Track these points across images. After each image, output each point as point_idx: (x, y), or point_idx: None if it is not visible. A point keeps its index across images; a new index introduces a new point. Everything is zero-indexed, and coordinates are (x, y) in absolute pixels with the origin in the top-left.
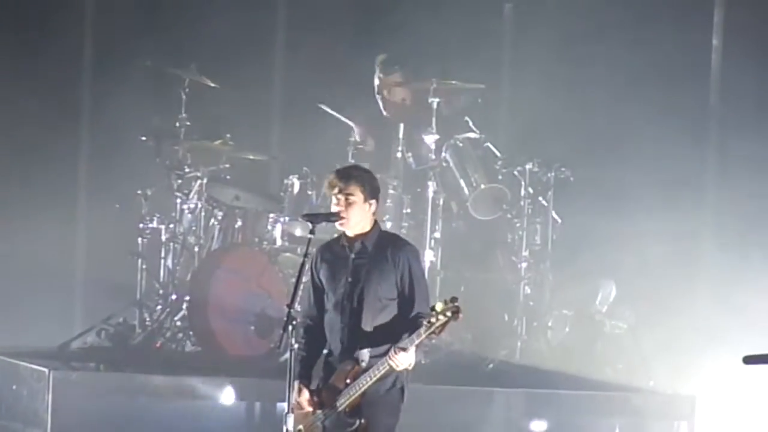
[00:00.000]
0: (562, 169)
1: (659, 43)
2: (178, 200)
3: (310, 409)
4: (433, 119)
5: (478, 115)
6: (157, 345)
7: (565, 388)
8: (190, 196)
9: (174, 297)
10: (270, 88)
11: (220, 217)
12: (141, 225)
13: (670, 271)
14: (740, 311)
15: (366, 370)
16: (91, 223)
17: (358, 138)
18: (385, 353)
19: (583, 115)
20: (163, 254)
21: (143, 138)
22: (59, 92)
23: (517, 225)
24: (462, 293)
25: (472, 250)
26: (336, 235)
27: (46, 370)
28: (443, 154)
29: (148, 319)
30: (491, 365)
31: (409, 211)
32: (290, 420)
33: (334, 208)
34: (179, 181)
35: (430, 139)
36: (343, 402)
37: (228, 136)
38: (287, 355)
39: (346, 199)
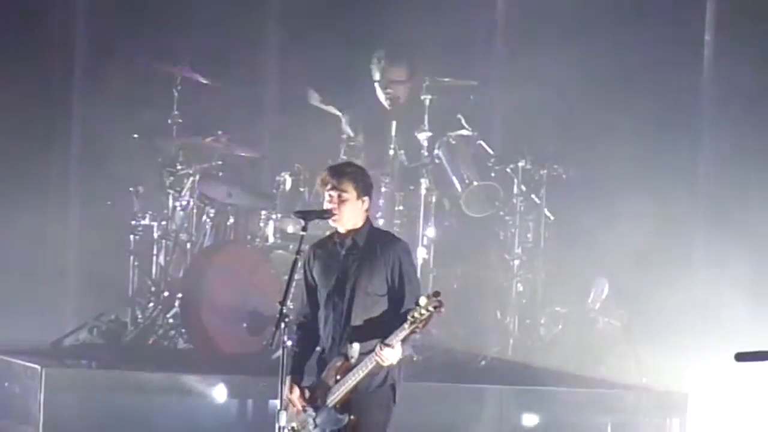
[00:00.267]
0: (555, 166)
1: (652, 39)
2: (170, 197)
3: (302, 405)
4: (426, 116)
5: (471, 112)
6: (150, 342)
7: (558, 386)
8: (182, 194)
9: (166, 294)
10: (262, 85)
11: (212, 215)
12: (133, 222)
13: (663, 269)
14: (732, 308)
15: (355, 366)
16: (83, 220)
17: (348, 130)
18: (370, 352)
19: (575, 113)
20: (155, 251)
21: (135, 135)
22: (51, 89)
23: (510, 222)
24: (454, 290)
25: (464, 248)
26: (328, 233)
27: (38, 367)
28: (436, 151)
29: (140, 316)
30: (483, 362)
31: (401, 208)
32: (283, 417)
33: (326, 205)
34: (171, 178)
35: (423, 136)
36: (333, 398)
37: (220, 133)
38: (279, 352)
39: (339, 196)
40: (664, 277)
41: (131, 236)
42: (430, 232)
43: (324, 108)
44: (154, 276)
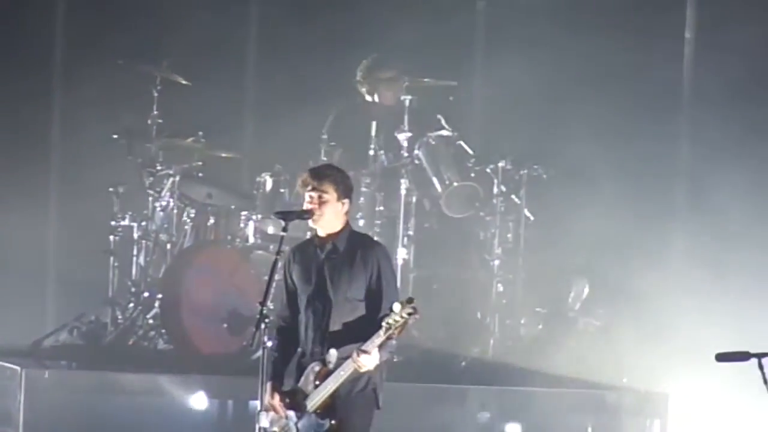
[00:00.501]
0: (535, 166)
1: (632, 37)
2: (151, 198)
3: (282, 410)
4: (406, 117)
5: (451, 112)
6: (130, 343)
7: (538, 386)
8: (163, 194)
9: (146, 295)
10: (242, 86)
11: (192, 215)
12: (113, 223)
13: (643, 269)
14: (712, 309)
15: (333, 371)
16: (64, 220)
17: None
18: (347, 358)
19: (555, 113)
20: (135, 252)
21: (115, 136)
22: (31, 90)
23: (490, 223)
24: (434, 291)
25: (444, 248)
26: (309, 234)
27: (18, 368)
28: (416, 151)
29: (120, 317)
30: (464, 363)
31: (381, 208)
32: (263, 418)
33: (306, 206)
34: (151, 178)
35: (403, 136)
36: (314, 403)
37: (200, 133)
38: (260, 352)
39: (319, 198)
40: (645, 277)
41: (111, 237)
42: (411, 232)
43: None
44: (134, 276)
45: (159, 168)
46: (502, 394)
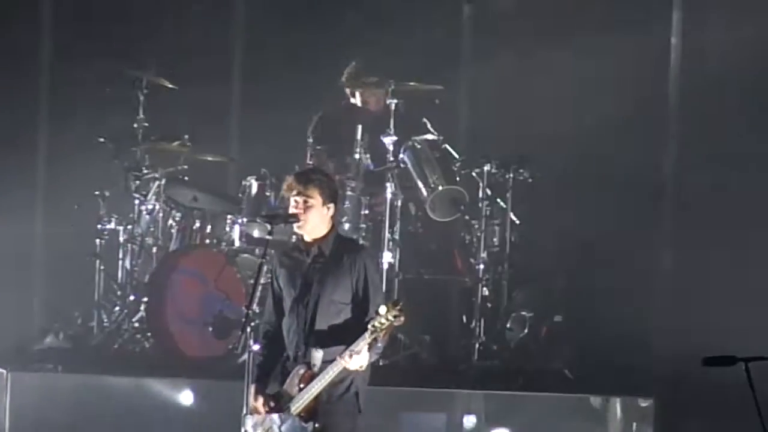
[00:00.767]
0: (520, 170)
1: (618, 42)
2: (136, 201)
3: (266, 413)
4: (391, 121)
5: (437, 116)
6: (116, 346)
7: (524, 390)
8: (148, 198)
9: (132, 298)
10: (228, 90)
11: (178, 219)
12: (99, 226)
13: (629, 272)
14: (699, 313)
15: (318, 373)
16: (49, 223)
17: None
18: (333, 360)
19: (541, 117)
20: (121, 255)
21: (101, 139)
22: (17, 93)
23: (476, 226)
24: (420, 295)
25: (430, 252)
26: (294, 238)
27: (4, 371)
28: (401, 155)
29: (106, 320)
30: (449, 367)
31: (367, 212)
32: (248, 421)
33: (292, 211)
34: (137, 182)
35: (389, 140)
36: (297, 406)
37: (186, 137)
38: (245, 356)
39: (305, 202)
40: (630, 280)
41: (97, 240)
42: (396, 236)
43: None
44: (120, 280)
45: (145, 171)
46: (488, 399)
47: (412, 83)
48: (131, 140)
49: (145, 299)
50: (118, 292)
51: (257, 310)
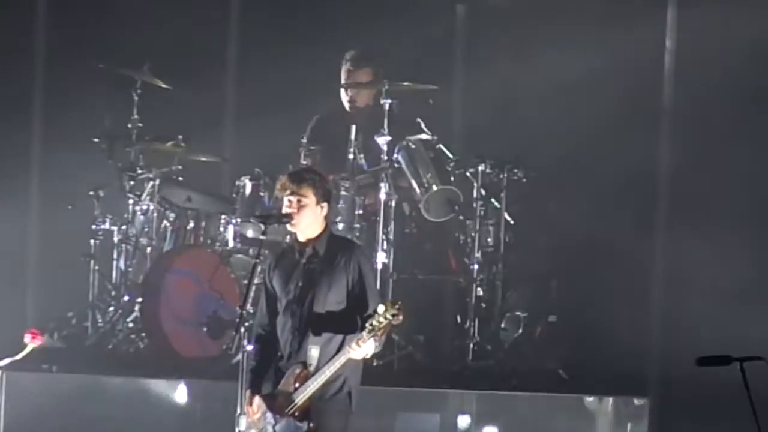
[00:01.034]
0: (515, 170)
1: (613, 43)
2: (131, 202)
3: (261, 413)
4: (386, 120)
5: (431, 116)
6: (110, 347)
7: (518, 390)
8: (143, 198)
9: (126, 298)
10: (222, 90)
11: (172, 219)
12: (93, 226)
13: (623, 273)
14: (693, 313)
15: (314, 373)
16: (44, 224)
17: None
18: (334, 356)
19: (535, 116)
20: (115, 255)
21: (95, 139)
22: (11, 93)
23: (470, 226)
24: (414, 295)
25: (424, 252)
26: (288, 238)
27: None
28: (395, 155)
29: (100, 320)
30: (444, 367)
31: (361, 212)
32: (242, 421)
33: (285, 211)
34: (131, 182)
35: (383, 140)
36: (292, 406)
37: (180, 137)
38: (239, 356)
39: (299, 202)
40: (625, 280)
41: (92, 240)
42: (390, 236)
43: None
44: (114, 280)
45: (139, 172)
46: (482, 399)
47: (406, 83)
48: (125, 140)
49: (140, 299)
50: (113, 293)
51: (251, 311)
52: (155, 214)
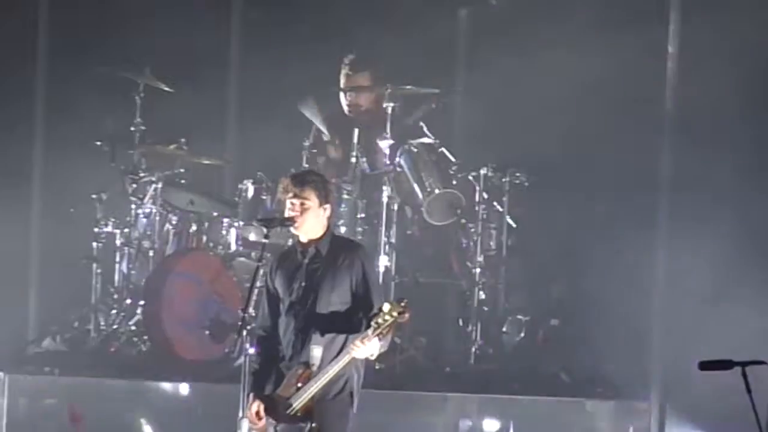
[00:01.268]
0: (517, 174)
1: (615, 49)
2: (133, 205)
3: (263, 420)
4: (388, 124)
5: (433, 120)
6: (112, 349)
7: (520, 394)
8: (145, 201)
9: (129, 301)
10: (225, 93)
11: (174, 222)
12: (96, 229)
13: (625, 276)
14: (695, 316)
15: (317, 373)
16: (46, 227)
17: (325, 129)
18: (336, 356)
19: (538, 121)
20: (117, 259)
21: (98, 142)
22: (14, 96)
23: (472, 230)
24: (416, 298)
25: (426, 256)
26: (291, 241)
27: (1, 373)
28: (398, 159)
29: (102, 323)
30: (446, 370)
31: (363, 215)
32: (244, 424)
33: (288, 213)
34: (134, 185)
35: (385, 143)
36: (295, 406)
37: (183, 140)
38: (242, 359)
39: (302, 204)
40: (627, 284)
41: (94, 243)
42: (392, 239)
43: (313, 120)
44: (116, 283)
45: (142, 175)
46: (483, 402)
47: (408, 87)
48: (128, 143)
49: (142, 302)
50: (115, 296)
51: (253, 314)
52: (158, 217)
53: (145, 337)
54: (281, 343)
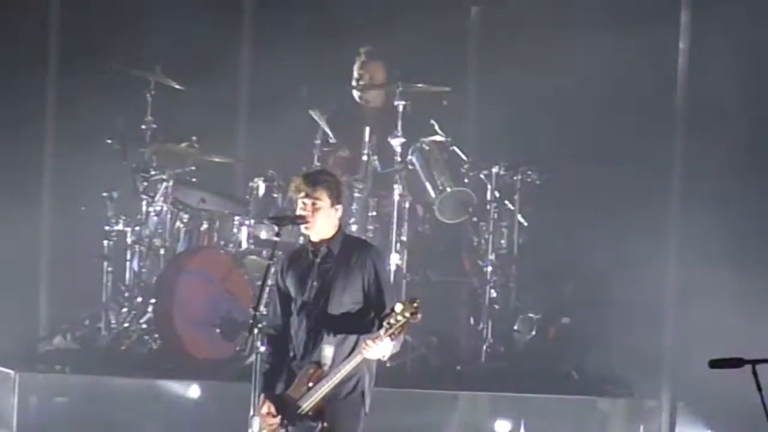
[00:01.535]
0: (529, 172)
1: (626, 45)
2: (144, 203)
3: (274, 420)
4: (399, 122)
5: (444, 118)
6: (123, 348)
7: (531, 392)
8: (156, 199)
9: (139, 300)
10: (236, 91)
11: (185, 220)
12: (107, 227)
13: (638, 275)
14: (706, 315)
15: (328, 373)
16: (57, 225)
17: (328, 129)
18: (349, 356)
19: (549, 119)
20: (128, 257)
21: (109, 140)
22: (25, 94)
23: (483, 228)
24: (427, 297)
25: (437, 254)
26: (302, 240)
27: (12, 371)
28: (409, 157)
29: (113, 321)
30: (457, 368)
31: (374, 214)
32: (255, 423)
33: (300, 212)
34: (145, 183)
35: (396, 142)
36: (306, 405)
37: (194, 138)
38: (253, 357)
39: (313, 204)
40: (638, 283)
41: (105, 241)
42: (404, 237)
43: (322, 126)
44: (127, 281)
45: (153, 173)
46: (495, 400)
47: (420, 84)
48: (139, 141)
49: (153, 301)
50: (126, 294)
51: (264, 312)
52: (168, 215)
53: (156, 336)
54: (292, 342)
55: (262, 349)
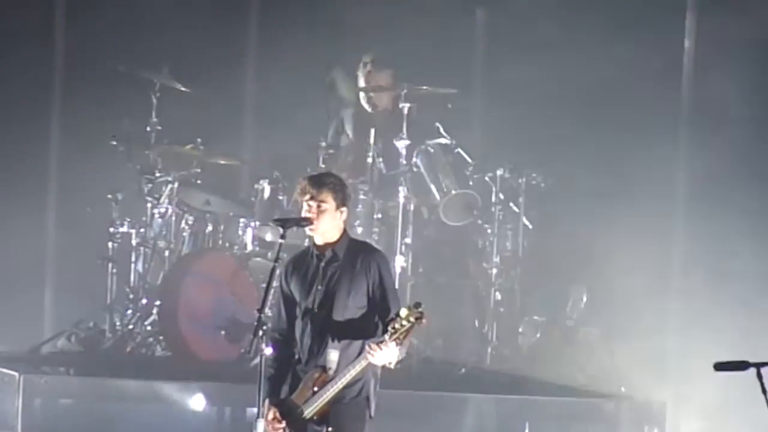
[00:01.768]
0: (533, 175)
1: (631, 46)
2: (149, 204)
3: (279, 426)
4: (404, 125)
5: (449, 120)
6: (128, 350)
7: (536, 394)
8: (161, 201)
9: (144, 302)
10: (241, 93)
11: (190, 222)
12: (111, 229)
13: (642, 277)
14: (711, 318)
15: (333, 377)
16: (62, 226)
17: (349, 130)
18: (354, 360)
19: (554, 121)
20: (133, 259)
21: (114, 142)
22: (30, 96)
23: (488, 231)
24: (433, 299)
25: (442, 256)
26: (307, 242)
27: (16, 374)
28: (414, 159)
29: (118, 323)
30: (462, 371)
31: (380, 216)
32: (260, 425)
33: (305, 215)
34: (150, 185)
35: (402, 144)
36: (311, 410)
37: (199, 140)
38: (257, 360)
39: (318, 207)
40: (643, 285)
41: (110, 243)
42: (409, 240)
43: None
44: (132, 283)
45: (158, 175)
46: (500, 403)
47: (425, 87)
48: (144, 143)
49: (158, 302)
50: (131, 296)
51: (269, 314)
52: (174, 217)
53: (161, 337)
54: (296, 346)
55: (267, 350)
